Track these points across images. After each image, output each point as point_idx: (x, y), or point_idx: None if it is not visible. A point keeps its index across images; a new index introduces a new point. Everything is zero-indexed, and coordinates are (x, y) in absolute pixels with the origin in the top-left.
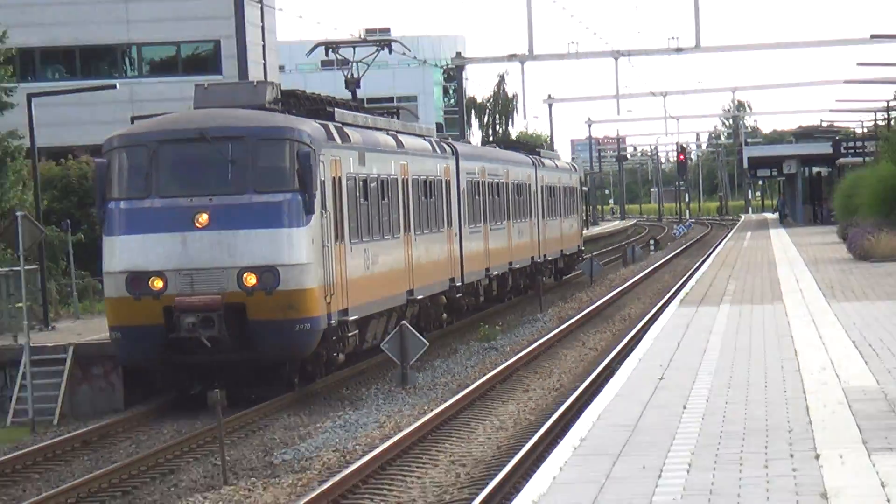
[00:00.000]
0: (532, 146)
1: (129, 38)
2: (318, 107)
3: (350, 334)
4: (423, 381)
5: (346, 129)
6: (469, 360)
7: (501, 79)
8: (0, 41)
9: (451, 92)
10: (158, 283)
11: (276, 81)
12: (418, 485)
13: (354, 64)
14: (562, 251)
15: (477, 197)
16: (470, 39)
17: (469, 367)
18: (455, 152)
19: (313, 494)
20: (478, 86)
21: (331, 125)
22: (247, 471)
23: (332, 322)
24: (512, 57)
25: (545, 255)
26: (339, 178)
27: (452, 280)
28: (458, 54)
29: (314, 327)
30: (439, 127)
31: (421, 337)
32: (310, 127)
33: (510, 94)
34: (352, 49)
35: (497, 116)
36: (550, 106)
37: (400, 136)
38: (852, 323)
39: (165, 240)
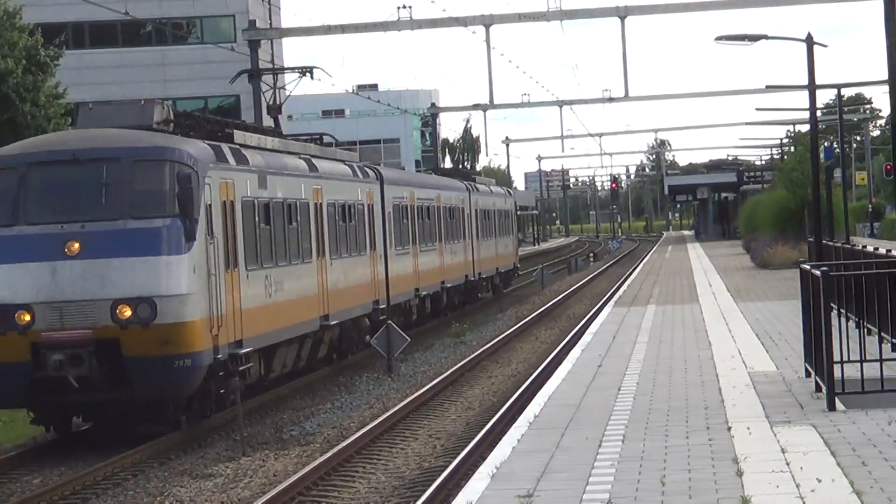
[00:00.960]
0: (467, 173)
1: (167, 94)
2: (215, 128)
3: (246, 366)
4: (406, 370)
5: (245, 152)
6: (443, 353)
7: (467, 123)
8: (61, 97)
9: (427, 135)
10: (25, 317)
11: (167, 103)
12: (402, 454)
13: (277, 91)
14: (497, 269)
15: (405, 220)
16: (443, 92)
17: (443, 359)
18: (380, 177)
19: (316, 463)
20: (449, 129)
21: (224, 147)
22: (261, 444)
23: (220, 356)
24: (476, 106)
25: (480, 274)
26: (232, 202)
27: (377, 302)
28: (433, 104)
29: (196, 363)
30: (417, 164)
31: (404, 334)
32: (194, 147)
33: (475, 136)
34: (272, 76)
35: (464, 154)
36: (507, 145)
37: (315, 161)
38: (756, 319)
39: (33, 270)
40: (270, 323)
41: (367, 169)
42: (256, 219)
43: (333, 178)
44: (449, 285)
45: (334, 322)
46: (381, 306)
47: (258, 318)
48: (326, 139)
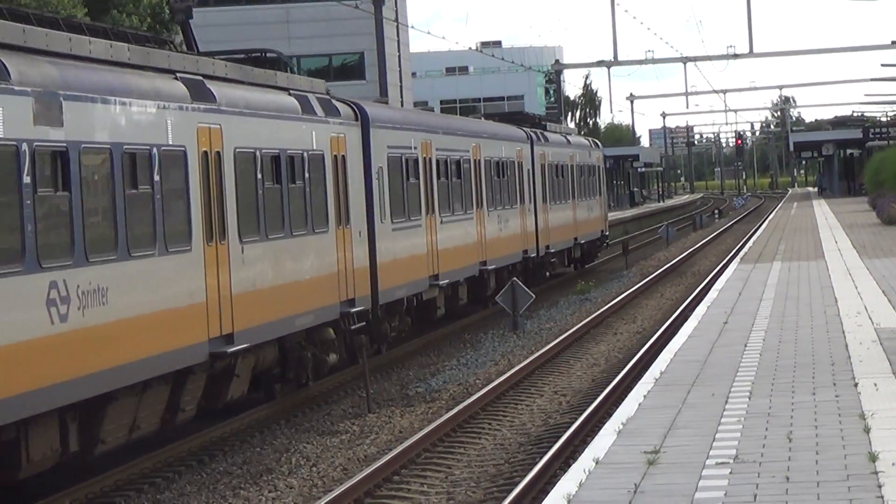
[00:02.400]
0: (533, 118)
1: (291, 51)
2: None
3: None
4: (531, 327)
5: None
6: (568, 310)
7: (586, 79)
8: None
9: (550, 92)
10: None
11: (409, 87)
12: (527, 411)
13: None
14: (576, 239)
15: (412, 179)
16: (567, 48)
17: (568, 315)
18: (361, 117)
19: (441, 420)
20: (573, 86)
21: None
22: (387, 401)
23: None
24: (600, 62)
25: (548, 247)
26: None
27: (351, 302)
28: (557, 61)
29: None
30: None
31: (528, 290)
32: None
33: (595, 92)
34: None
35: (587, 111)
36: (632, 102)
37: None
38: (882, 276)
39: None
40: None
41: (335, 104)
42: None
43: (235, 112)
44: (492, 267)
45: (237, 346)
46: (354, 310)
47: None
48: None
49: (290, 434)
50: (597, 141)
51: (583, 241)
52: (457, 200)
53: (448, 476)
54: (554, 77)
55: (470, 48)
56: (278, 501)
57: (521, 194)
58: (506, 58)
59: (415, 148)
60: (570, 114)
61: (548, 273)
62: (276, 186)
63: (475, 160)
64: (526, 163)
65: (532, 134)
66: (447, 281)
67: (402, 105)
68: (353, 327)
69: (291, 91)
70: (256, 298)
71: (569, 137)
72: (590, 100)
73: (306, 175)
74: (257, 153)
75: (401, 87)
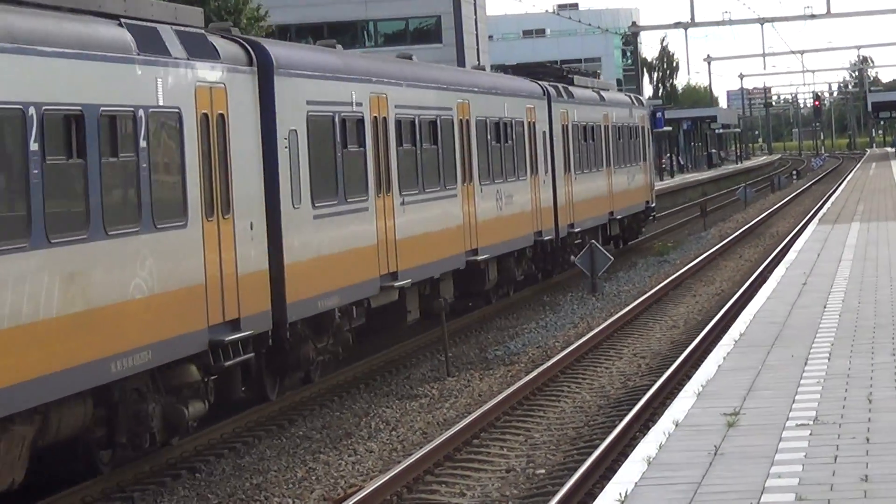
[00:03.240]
0: (557, 71)
1: (367, 16)
2: None
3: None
4: (609, 289)
5: None
6: (646, 272)
7: (662, 41)
8: (262, 20)
9: (627, 54)
10: None
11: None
12: (607, 374)
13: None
14: (611, 213)
15: (351, 147)
16: (643, 10)
17: (646, 278)
18: (259, 60)
19: (521, 383)
20: (650, 48)
21: None
22: (466, 365)
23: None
24: (677, 24)
25: (572, 226)
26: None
27: (233, 325)
28: (633, 23)
29: None
30: (618, 83)
31: (606, 252)
32: None
33: (672, 54)
34: None
35: (665, 73)
36: (709, 64)
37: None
38: None
39: None
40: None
41: (209, 41)
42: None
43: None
44: (485, 256)
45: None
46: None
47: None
48: None
49: (369, 398)
50: (640, 97)
51: (621, 217)
52: (431, 173)
53: (528, 439)
54: (631, 39)
55: (547, 11)
56: (358, 465)
57: (534, 162)
58: (583, 20)
59: (358, 104)
60: (647, 76)
61: (572, 257)
62: (78, 161)
63: (461, 120)
64: (541, 124)
65: (550, 89)
66: (410, 280)
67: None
68: (227, 364)
69: (125, 20)
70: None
71: (603, 93)
72: (667, 62)
73: (141, 144)
74: (31, 111)
75: (477, 50)
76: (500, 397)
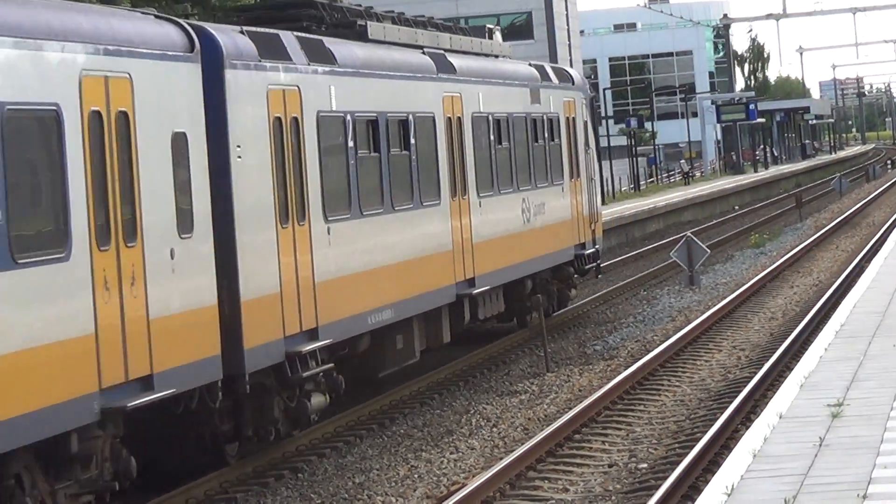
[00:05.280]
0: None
1: (459, 13)
2: None
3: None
4: (707, 281)
5: None
6: (743, 264)
7: (750, 32)
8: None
9: (719, 47)
10: None
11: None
12: (706, 366)
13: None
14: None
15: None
16: (734, 2)
17: (743, 270)
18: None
19: (621, 377)
20: (741, 40)
21: None
22: (565, 360)
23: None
24: (769, 16)
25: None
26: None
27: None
28: (725, 15)
29: None
30: (710, 75)
31: (703, 245)
32: None
33: (763, 46)
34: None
35: (756, 65)
36: (801, 55)
37: None
38: None
39: None
40: None
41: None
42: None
43: None
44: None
45: None
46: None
47: None
48: None
49: (469, 395)
50: (567, 70)
51: (534, 273)
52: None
53: (629, 433)
54: (722, 32)
55: (638, 5)
56: (461, 463)
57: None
58: (674, 13)
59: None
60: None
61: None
62: None
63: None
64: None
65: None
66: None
67: (570, 65)
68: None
69: None
70: None
71: (491, 62)
72: (758, 54)
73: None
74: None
75: (569, 45)
76: (600, 392)
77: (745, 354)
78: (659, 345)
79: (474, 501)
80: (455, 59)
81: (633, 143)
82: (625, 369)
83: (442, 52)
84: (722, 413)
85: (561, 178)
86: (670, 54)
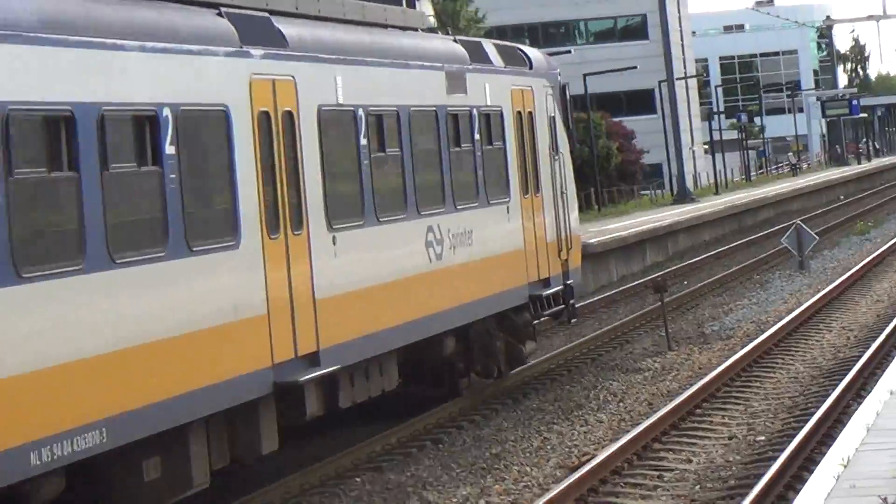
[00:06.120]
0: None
1: (579, 15)
2: None
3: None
4: (816, 266)
5: None
6: (849, 250)
7: (852, 32)
8: (480, 21)
9: (822, 47)
10: None
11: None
12: (818, 346)
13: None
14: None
15: None
16: (837, 4)
17: (850, 255)
18: None
19: (738, 356)
20: (840, 40)
21: None
22: (685, 339)
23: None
24: (870, 17)
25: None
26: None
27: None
28: (828, 17)
29: None
30: (815, 73)
31: (812, 232)
32: None
33: (864, 46)
34: None
35: (857, 63)
36: None
37: None
38: None
39: None
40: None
41: None
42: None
43: None
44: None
45: None
46: None
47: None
48: None
49: (595, 372)
50: (523, 50)
51: (458, 327)
52: None
53: (747, 408)
54: (825, 32)
55: (746, 7)
56: (590, 435)
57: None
58: (780, 15)
59: None
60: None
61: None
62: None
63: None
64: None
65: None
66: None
67: (683, 65)
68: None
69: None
70: None
71: (374, 34)
72: (859, 53)
73: None
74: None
75: (682, 45)
76: (719, 369)
77: (853, 334)
78: (772, 325)
79: (604, 471)
80: (287, 26)
81: (743, 136)
82: (741, 348)
83: (262, 13)
84: (834, 389)
85: (505, 194)
86: (777, 53)
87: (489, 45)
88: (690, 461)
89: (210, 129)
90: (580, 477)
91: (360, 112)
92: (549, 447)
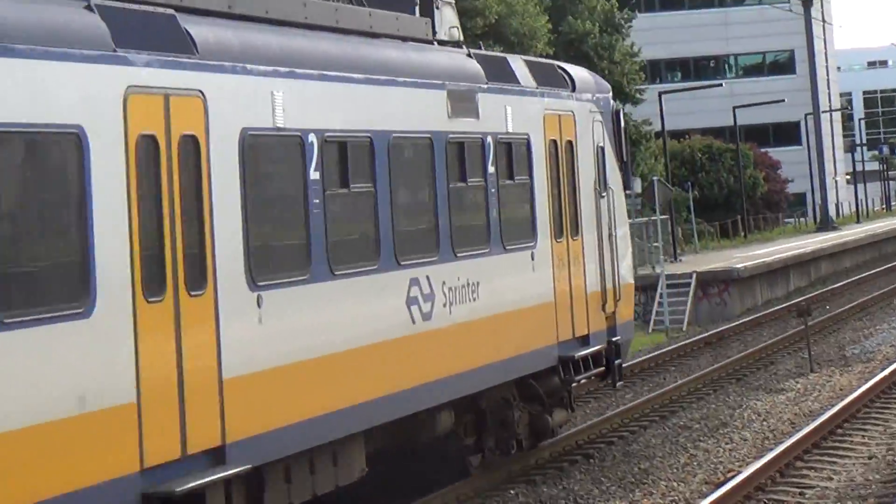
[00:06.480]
0: None
1: (728, 51)
2: None
3: None
4: None
5: None
6: None
7: None
8: (634, 56)
9: None
10: None
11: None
12: None
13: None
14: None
15: None
16: None
17: None
18: None
19: (877, 378)
20: None
21: None
22: (826, 362)
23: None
24: None
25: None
26: None
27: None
28: None
29: None
30: None
31: None
32: None
33: None
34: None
35: None
36: None
37: None
38: None
39: None
40: None
41: None
42: None
43: None
44: None
45: None
46: None
47: None
48: None
49: (740, 392)
50: (565, 68)
51: (461, 398)
52: None
53: (886, 429)
54: None
55: (891, 43)
56: (734, 452)
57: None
58: None
59: None
60: None
61: None
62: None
63: None
64: None
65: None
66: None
67: (828, 100)
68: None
69: None
70: None
71: (345, 43)
72: None
73: None
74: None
75: (828, 80)
76: (859, 391)
77: None
78: None
79: (748, 487)
80: (198, 27)
81: (884, 168)
82: (881, 371)
83: (165, 10)
84: None
85: (529, 238)
86: None
87: (517, 62)
88: (831, 479)
89: (54, 158)
90: (725, 493)
91: (312, 138)
92: (695, 463)
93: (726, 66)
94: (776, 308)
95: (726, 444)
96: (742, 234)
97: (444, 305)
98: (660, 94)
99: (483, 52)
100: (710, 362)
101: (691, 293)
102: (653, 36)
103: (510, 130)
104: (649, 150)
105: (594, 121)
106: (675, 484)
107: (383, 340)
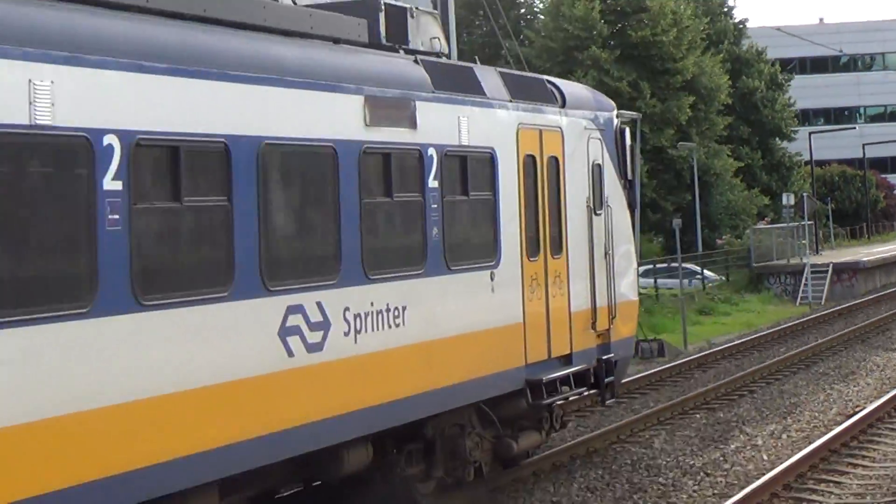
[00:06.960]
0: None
1: (860, 103)
2: None
3: None
4: None
5: None
6: None
7: None
8: (790, 106)
9: None
10: None
11: None
12: None
13: None
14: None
15: None
16: None
17: None
18: None
19: None
20: None
21: None
22: None
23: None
24: None
25: None
26: None
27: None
28: None
29: None
30: None
31: None
32: None
33: None
34: None
35: None
36: None
37: None
38: None
39: None
40: None
41: None
42: None
43: None
44: None
45: None
46: None
47: None
48: None
49: (863, 349)
50: (555, 83)
51: (379, 431)
52: None
53: None
54: None
55: None
56: (861, 393)
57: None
58: None
59: None
60: None
61: None
62: None
63: None
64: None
65: None
66: None
67: None
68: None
69: None
70: None
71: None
72: None
73: None
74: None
75: None
76: None
77: None
78: None
79: (871, 418)
80: None
81: None
82: None
83: None
84: None
85: (488, 257)
86: None
87: (488, 73)
88: None
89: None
90: (854, 422)
91: (109, 140)
92: (831, 400)
93: (857, 115)
94: (891, 290)
95: (854, 386)
96: (866, 236)
97: (346, 334)
98: (809, 134)
99: (433, 59)
100: (841, 327)
101: (828, 277)
102: (805, 92)
103: (464, 143)
104: (800, 174)
105: (590, 137)
106: (816, 414)
107: (239, 378)
